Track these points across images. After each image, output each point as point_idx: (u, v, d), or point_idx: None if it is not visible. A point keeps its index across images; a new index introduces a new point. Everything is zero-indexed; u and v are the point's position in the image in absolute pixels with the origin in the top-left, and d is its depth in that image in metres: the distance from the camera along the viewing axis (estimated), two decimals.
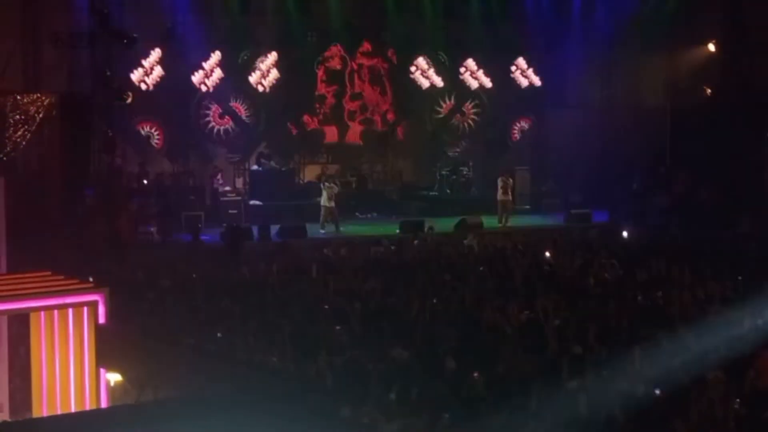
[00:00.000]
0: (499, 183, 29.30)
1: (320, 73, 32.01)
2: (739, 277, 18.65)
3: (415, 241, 24.75)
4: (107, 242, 23.17)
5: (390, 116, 32.98)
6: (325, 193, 27.55)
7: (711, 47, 32.37)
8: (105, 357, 11.25)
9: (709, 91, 32.03)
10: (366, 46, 32.39)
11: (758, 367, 12.86)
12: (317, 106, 32.06)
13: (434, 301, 17.22)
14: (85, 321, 11.44)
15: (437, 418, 11.22)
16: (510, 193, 29.35)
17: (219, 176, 29.86)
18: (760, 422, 11.06)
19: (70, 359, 11.39)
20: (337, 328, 15.04)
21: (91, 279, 13.66)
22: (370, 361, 13.41)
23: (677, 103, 32.62)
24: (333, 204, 27.58)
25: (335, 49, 32.07)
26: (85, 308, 11.43)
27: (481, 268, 20.82)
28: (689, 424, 11.11)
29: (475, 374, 12.55)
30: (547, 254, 22.22)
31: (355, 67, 32.36)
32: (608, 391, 11.56)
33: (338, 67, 32.20)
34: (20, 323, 11.62)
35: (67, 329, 11.39)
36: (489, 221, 28.63)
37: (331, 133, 32.32)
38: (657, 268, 19.86)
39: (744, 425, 11.04)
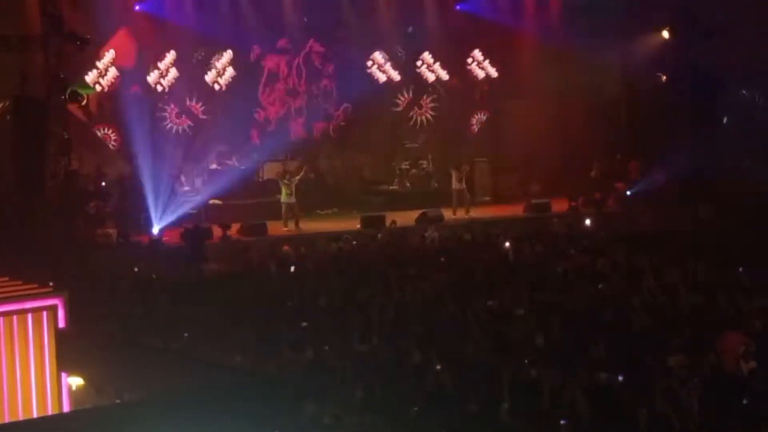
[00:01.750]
0: (453, 173, 29.55)
1: (267, 69, 31.73)
2: (699, 263, 18.82)
3: (379, 235, 24.79)
4: (65, 245, 22.97)
5: (345, 111, 32.78)
6: (284, 190, 27.51)
7: (665, 34, 32.55)
8: (66, 361, 11.15)
9: (664, 77, 32.20)
10: (317, 45, 32.15)
11: (719, 350, 12.97)
12: (270, 102, 31.82)
13: (398, 294, 17.27)
14: (45, 325, 11.33)
15: (404, 412, 11.22)
16: (464, 182, 29.52)
17: (182, 177, 29.62)
18: (724, 405, 11.14)
19: (31, 364, 11.27)
20: (303, 324, 15.02)
21: (51, 283, 13.53)
22: (334, 356, 13.41)
23: (633, 90, 32.79)
24: (294, 200, 27.55)
25: (284, 43, 31.76)
26: (45, 312, 11.33)
27: (442, 259, 20.94)
28: (652, 409, 11.17)
29: (438, 367, 12.57)
30: (507, 244, 22.29)
31: (304, 62, 32.04)
32: (572, 378, 11.59)
33: (286, 62, 31.89)
34: None
35: (27, 334, 11.27)
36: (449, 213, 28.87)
37: (293, 130, 32.08)
38: (618, 256, 20.00)
39: (707, 408, 11.12)
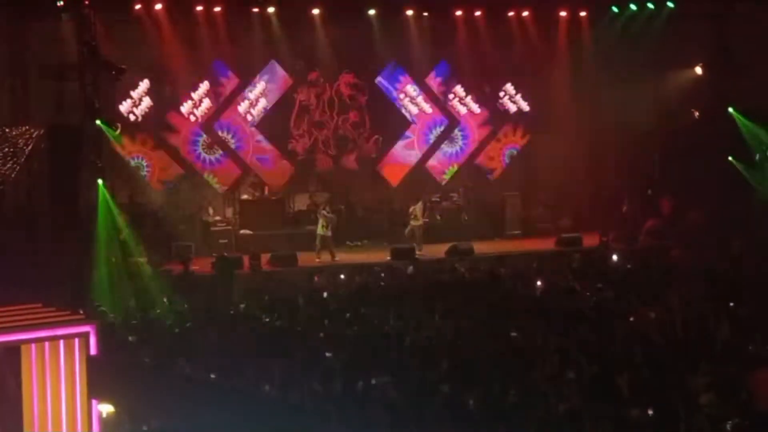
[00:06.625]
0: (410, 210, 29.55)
1: (299, 101, 31.86)
2: (732, 303, 18.62)
3: (410, 267, 24.80)
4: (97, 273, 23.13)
5: (376, 143, 32.87)
6: (321, 222, 27.53)
7: (698, 70, 32.50)
8: (97, 388, 11.19)
9: (697, 113, 32.12)
10: (348, 77, 32.27)
11: (753, 389, 12.84)
12: (302, 133, 31.93)
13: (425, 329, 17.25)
14: (77, 352, 11.39)
15: None
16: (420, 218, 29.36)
17: (209, 209, 29.83)
18: None
19: (62, 391, 11.33)
20: (328, 355, 15.02)
21: (81, 311, 13.63)
22: (363, 388, 13.41)
23: (666, 126, 32.68)
24: (330, 233, 27.56)
25: (315, 75, 31.91)
26: (77, 340, 11.39)
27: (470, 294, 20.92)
28: None
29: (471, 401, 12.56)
30: (539, 283, 22.23)
31: (336, 95, 32.16)
32: (602, 414, 11.54)
33: (317, 95, 32.04)
34: (11, 356, 11.53)
35: (59, 361, 11.33)
36: (479, 246, 28.80)
37: (321, 161, 32.19)
38: (647, 292, 19.90)
39: None
